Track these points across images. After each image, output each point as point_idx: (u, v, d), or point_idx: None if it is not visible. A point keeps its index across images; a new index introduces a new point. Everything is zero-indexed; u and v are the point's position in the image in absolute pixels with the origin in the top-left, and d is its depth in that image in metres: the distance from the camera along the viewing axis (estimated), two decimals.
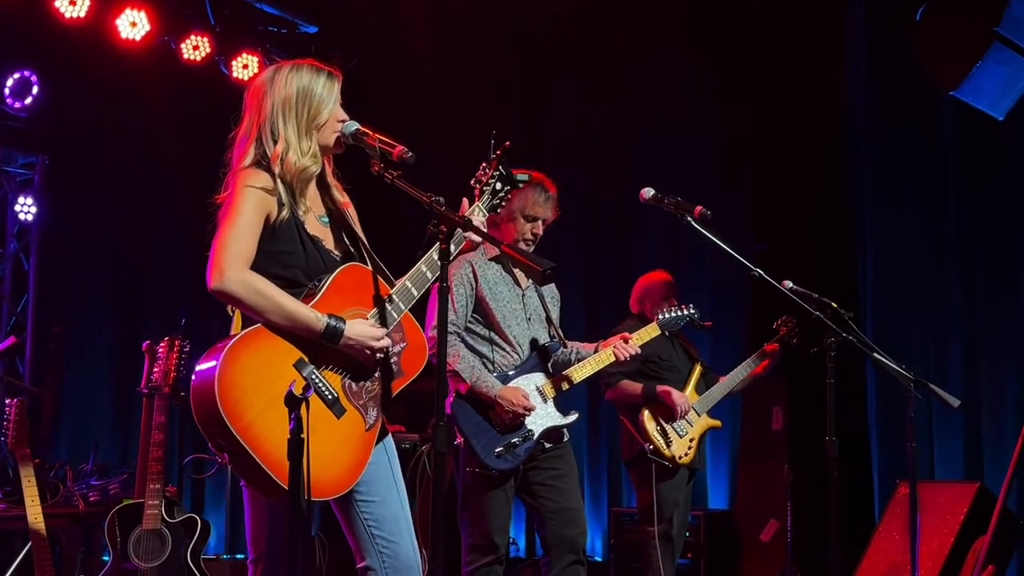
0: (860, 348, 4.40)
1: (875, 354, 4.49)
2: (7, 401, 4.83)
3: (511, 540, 8.01)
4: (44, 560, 4.62)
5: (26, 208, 7.82)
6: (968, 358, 7.03)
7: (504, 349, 4.70)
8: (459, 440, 4.62)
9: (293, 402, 2.84)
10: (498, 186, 3.64)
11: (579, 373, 4.79)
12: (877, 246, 7.49)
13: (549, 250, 8.49)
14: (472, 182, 3.69)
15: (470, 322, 4.70)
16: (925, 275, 7.33)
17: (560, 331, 4.90)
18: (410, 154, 3.19)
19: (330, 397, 3.11)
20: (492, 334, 4.69)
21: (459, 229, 3.22)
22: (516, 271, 4.80)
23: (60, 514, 5.51)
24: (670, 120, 8.38)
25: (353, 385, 3.17)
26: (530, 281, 4.83)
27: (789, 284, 4.90)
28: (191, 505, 7.70)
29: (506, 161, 3.67)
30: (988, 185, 7.06)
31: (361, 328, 3.12)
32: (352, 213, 3.45)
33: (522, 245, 4.74)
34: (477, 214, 3.53)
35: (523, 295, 4.79)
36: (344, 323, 3.09)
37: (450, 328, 4.59)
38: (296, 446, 2.82)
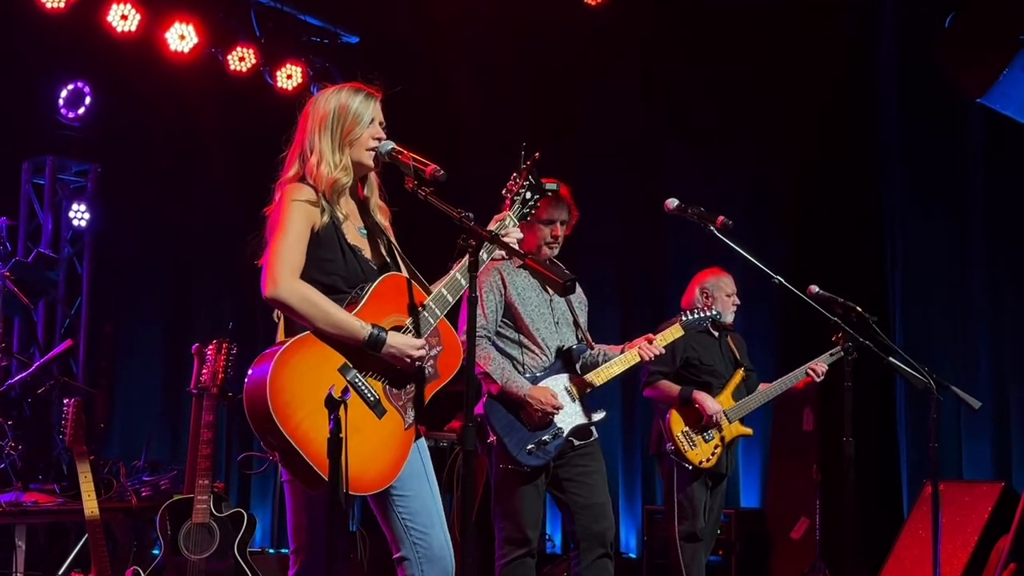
0: (876, 352, 4.51)
1: (891, 358, 4.62)
2: (65, 400, 5.05)
3: (547, 537, 8.19)
4: (100, 552, 4.84)
5: (79, 215, 8.10)
6: (995, 361, 7.14)
7: (533, 352, 4.88)
8: (492, 438, 4.81)
9: (332, 404, 3.06)
10: (528, 195, 3.76)
11: (606, 373, 4.94)
12: (906, 254, 7.58)
13: (585, 256, 8.73)
14: (503, 192, 3.83)
15: (500, 327, 4.88)
16: (953, 281, 7.42)
17: (588, 334, 5.07)
18: (442, 172, 3.38)
19: (372, 399, 3.32)
20: (521, 337, 4.88)
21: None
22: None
23: (114, 508, 5.76)
24: (702, 128, 8.49)
25: (394, 388, 3.38)
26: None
27: (815, 289, 5.01)
28: (238, 500, 7.93)
29: (535, 171, 3.79)
30: (1016, 194, 7.14)
31: (401, 339, 3.33)
32: (389, 231, 3.67)
33: (545, 249, 4.93)
34: (508, 223, 3.67)
35: (551, 300, 4.96)
36: (386, 333, 3.30)
37: (481, 332, 4.79)
38: (335, 445, 3.04)
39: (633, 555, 8.48)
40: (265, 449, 3.36)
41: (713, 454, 5.80)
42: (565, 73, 8.78)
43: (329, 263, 3.40)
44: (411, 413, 3.41)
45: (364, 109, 3.50)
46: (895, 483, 7.45)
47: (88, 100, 7.94)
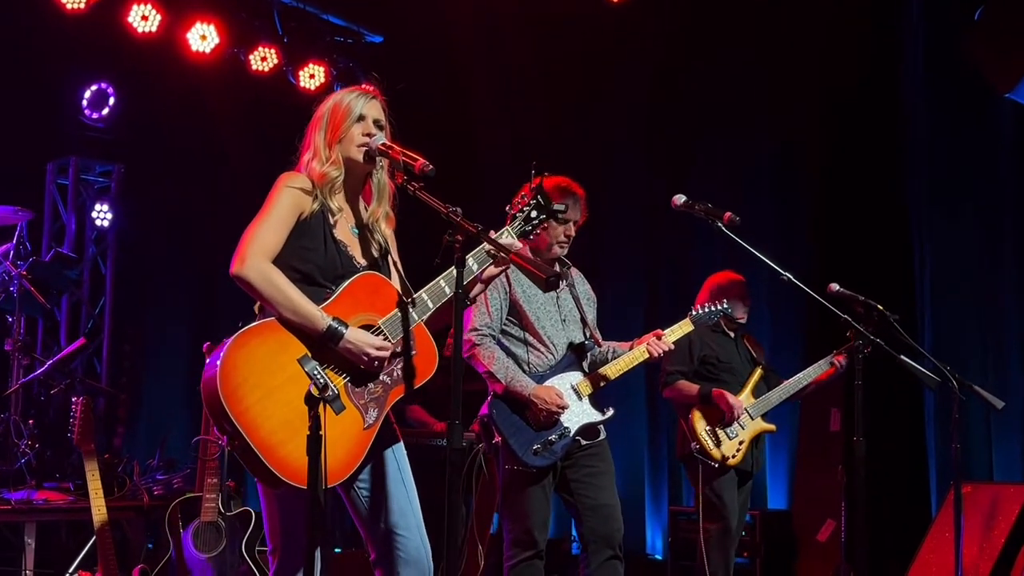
0: (887, 350, 4.42)
1: (901, 356, 4.52)
2: (73, 399, 5.07)
3: (573, 538, 8.13)
4: (107, 550, 4.84)
5: (102, 215, 8.15)
6: None
7: (539, 350, 4.81)
8: (497, 439, 4.75)
9: (311, 401, 3.02)
10: (532, 213, 3.63)
11: (613, 370, 4.85)
12: (934, 250, 7.45)
13: (610, 257, 8.64)
14: (507, 207, 3.72)
15: (505, 325, 4.81)
16: (982, 278, 7.28)
17: (596, 331, 5.01)
18: (431, 167, 3.33)
19: (331, 393, 3.25)
20: (527, 335, 4.81)
21: (485, 254, 3.39)
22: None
23: (125, 507, 5.77)
24: (727, 124, 8.41)
25: (355, 386, 3.31)
26: (564, 284, 4.94)
27: (836, 287, 4.95)
28: (253, 499, 7.93)
29: (543, 190, 3.69)
30: None
31: (361, 335, 3.27)
32: (391, 237, 3.63)
33: (556, 248, 4.86)
34: (505, 236, 3.56)
35: (557, 298, 4.90)
36: (346, 328, 3.25)
37: (485, 331, 4.75)
38: (315, 443, 3.00)
39: (659, 557, 8.40)
40: (218, 434, 3.32)
41: (738, 450, 5.78)
42: (587, 71, 8.71)
43: (309, 252, 3.37)
44: (373, 413, 3.32)
45: (355, 105, 3.50)
46: (924, 485, 7.33)
47: (112, 101, 7.99)
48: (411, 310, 3.38)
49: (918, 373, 4.65)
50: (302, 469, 3.09)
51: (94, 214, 8.15)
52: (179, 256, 8.20)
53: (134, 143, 8.19)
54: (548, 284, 3.08)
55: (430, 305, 3.41)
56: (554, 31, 8.48)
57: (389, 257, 3.56)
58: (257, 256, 3.27)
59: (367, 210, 3.56)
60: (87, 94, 7.92)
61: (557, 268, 4.99)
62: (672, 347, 4.93)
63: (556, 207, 3.69)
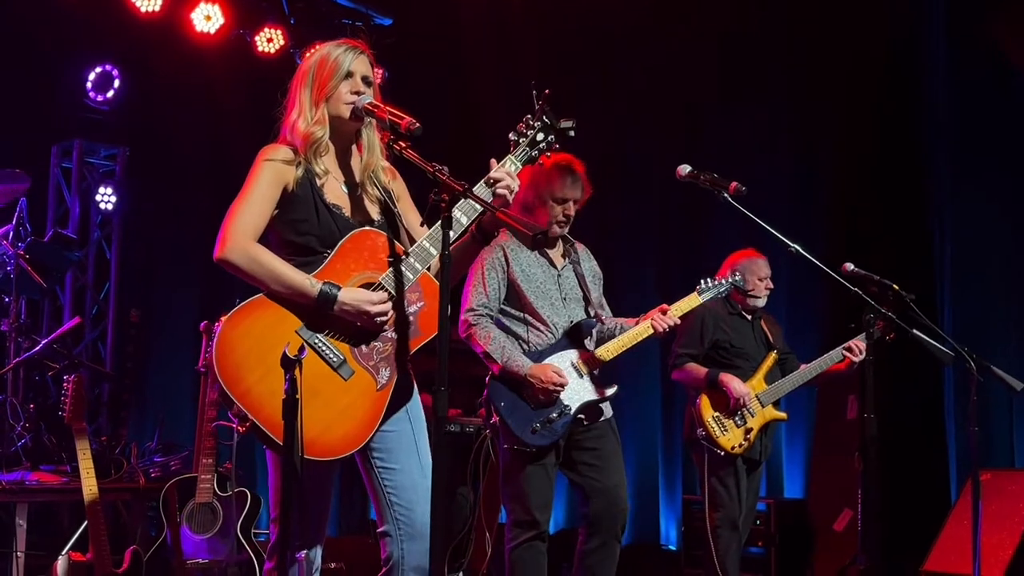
0: (899, 324, 4.28)
1: (914, 331, 4.37)
2: (65, 377, 5.00)
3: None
4: (99, 531, 4.76)
5: (106, 198, 8.07)
6: None
7: (538, 329, 4.74)
8: (495, 419, 4.66)
9: (288, 363, 2.90)
10: (539, 136, 3.41)
11: (615, 346, 4.75)
12: (956, 227, 7.29)
13: (623, 237, 8.52)
14: (510, 134, 3.46)
15: (505, 304, 4.75)
16: (1005, 259, 7.11)
17: (600, 309, 4.90)
18: (417, 125, 3.20)
19: (336, 360, 3.16)
20: (526, 315, 4.74)
21: (470, 206, 3.24)
22: (551, 253, 4.84)
23: (122, 488, 5.71)
24: (744, 103, 8.24)
25: (363, 347, 3.21)
26: (567, 261, 4.86)
27: (850, 266, 4.82)
28: (260, 480, 7.84)
29: (550, 111, 3.43)
30: None
31: (356, 294, 3.16)
32: (398, 186, 3.51)
33: (555, 228, 4.78)
34: (508, 166, 3.38)
35: (559, 276, 4.82)
36: (338, 289, 3.14)
37: (481, 311, 4.69)
38: (291, 407, 2.88)
39: (673, 547, 8.25)
40: (222, 422, 3.23)
41: (746, 439, 5.60)
42: (596, 50, 8.57)
43: (302, 223, 3.27)
44: (385, 372, 3.23)
45: (343, 60, 3.37)
46: (944, 472, 7.17)
47: (116, 83, 7.90)
48: (413, 260, 3.24)
49: (931, 348, 4.52)
50: (315, 441, 3.04)
51: (98, 197, 8.06)
52: (184, 239, 8.09)
53: (139, 126, 8.11)
54: (535, 242, 2.95)
55: (432, 252, 3.24)
56: (563, 11, 8.34)
57: (395, 209, 3.42)
58: (239, 237, 3.18)
59: (360, 166, 3.44)
60: (91, 76, 7.84)
61: (561, 246, 4.88)
62: (678, 322, 4.82)
63: (564, 124, 3.44)
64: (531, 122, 3.43)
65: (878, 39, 7.60)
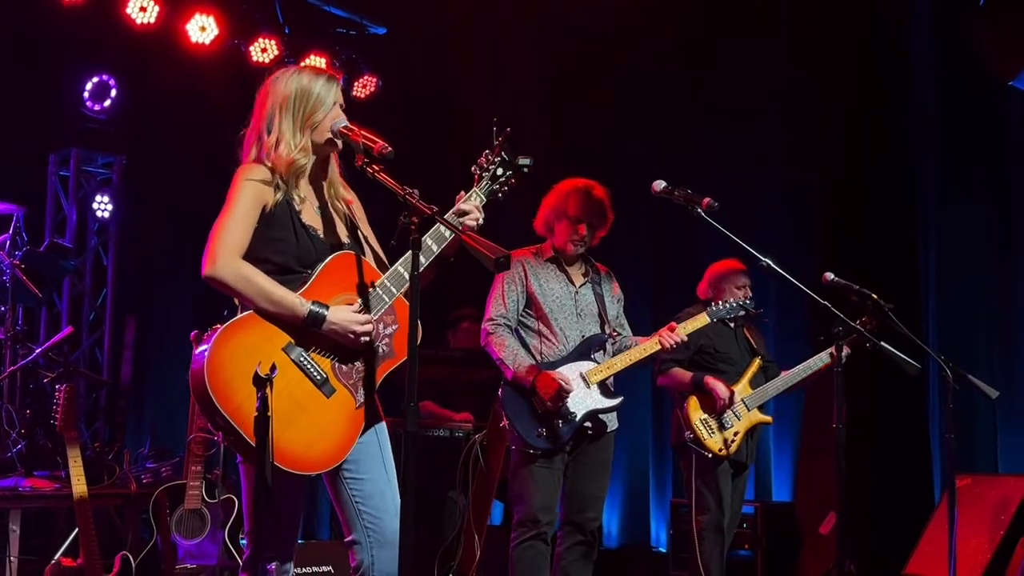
0: (867, 337, 4.37)
1: (881, 343, 4.47)
2: (57, 386, 5.09)
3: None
4: (89, 538, 4.86)
5: (103, 206, 8.17)
6: None
7: (551, 340, 5.00)
8: (504, 423, 4.94)
9: (259, 382, 3.01)
10: (499, 171, 3.63)
11: (623, 360, 5.01)
12: (940, 234, 7.36)
13: (618, 246, 8.60)
14: (472, 168, 3.69)
15: (523, 316, 5.04)
16: (990, 267, 7.18)
17: (616, 328, 5.14)
18: (389, 150, 3.31)
19: (319, 378, 3.27)
20: (540, 326, 5.02)
21: (441, 233, 3.37)
22: (571, 271, 5.12)
23: (113, 494, 5.80)
24: (736, 112, 8.31)
25: (343, 366, 3.32)
26: (586, 280, 5.13)
27: (830, 276, 4.91)
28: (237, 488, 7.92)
29: (508, 147, 3.66)
30: None
31: (344, 314, 3.27)
32: (356, 209, 3.62)
33: (570, 246, 5.07)
34: (474, 199, 3.56)
35: (576, 293, 5.10)
36: (327, 309, 3.25)
37: (499, 320, 4.98)
38: (262, 424, 2.98)
39: (663, 549, 8.33)
40: (212, 430, 3.33)
41: (732, 441, 5.71)
42: (589, 61, 8.64)
43: (281, 243, 3.36)
44: (363, 392, 3.34)
45: (327, 94, 3.48)
46: (928, 477, 7.23)
47: (113, 93, 8.00)
48: (388, 284, 3.37)
49: (896, 359, 4.60)
50: (301, 457, 3.16)
51: (95, 205, 8.16)
52: (181, 247, 8.17)
53: (136, 134, 8.21)
54: (497, 265, 3.06)
55: (406, 277, 3.35)
56: (556, 22, 8.43)
57: (359, 231, 3.54)
58: (227, 255, 3.27)
59: (327, 188, 3.55)
60: (89, 86, 7.93)
61: (583, 266, 5.04)
62: (685, 339, 5.01)
63: (522, 162, 3.66)
64: (491, 157, 3.62)
65: (867, 47, 7.69)
